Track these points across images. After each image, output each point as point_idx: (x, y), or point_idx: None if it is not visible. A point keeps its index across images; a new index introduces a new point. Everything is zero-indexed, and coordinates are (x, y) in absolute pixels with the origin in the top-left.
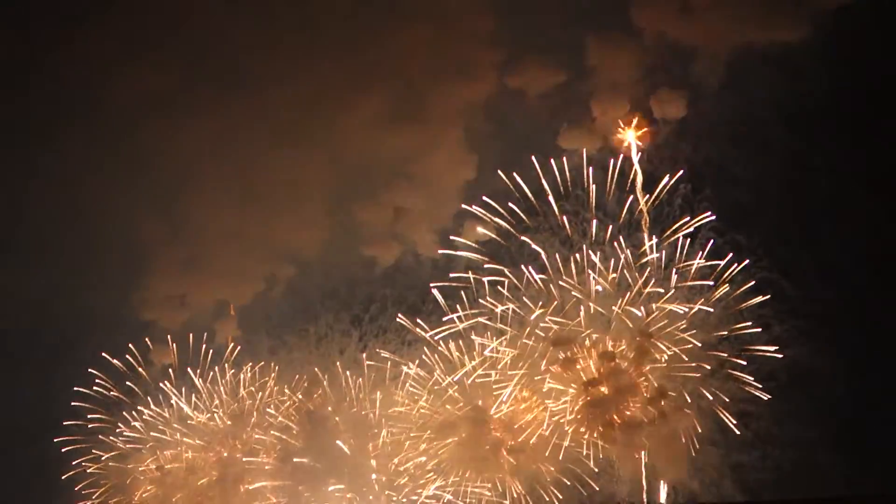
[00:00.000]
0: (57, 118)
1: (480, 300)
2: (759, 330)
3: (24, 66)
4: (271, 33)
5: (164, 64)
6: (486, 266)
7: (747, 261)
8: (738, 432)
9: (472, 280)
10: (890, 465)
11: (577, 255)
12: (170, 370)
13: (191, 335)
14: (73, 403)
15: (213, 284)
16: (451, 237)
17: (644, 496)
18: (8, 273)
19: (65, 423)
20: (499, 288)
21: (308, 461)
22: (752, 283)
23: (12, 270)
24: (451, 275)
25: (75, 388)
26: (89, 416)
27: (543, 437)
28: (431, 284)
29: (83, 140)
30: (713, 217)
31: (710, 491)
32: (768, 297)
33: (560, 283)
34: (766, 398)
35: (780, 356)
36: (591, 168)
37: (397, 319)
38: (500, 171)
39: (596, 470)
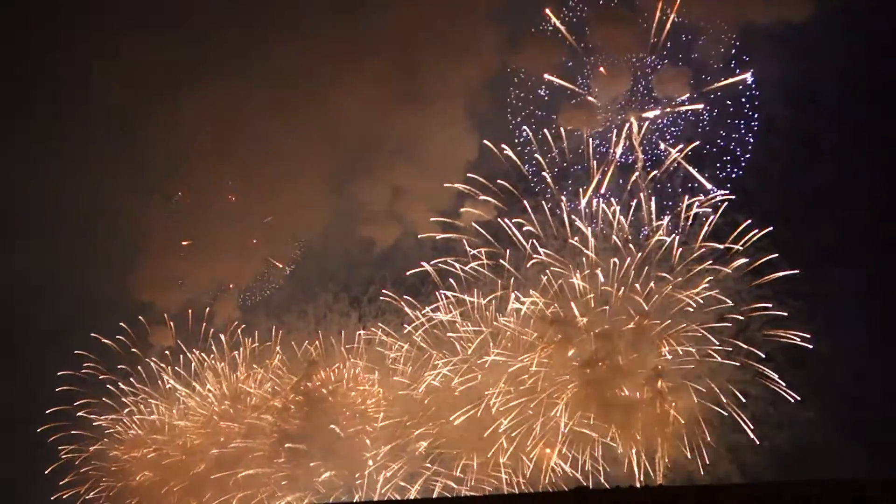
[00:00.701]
0: (57, 107)
1: (478, 280)
2: (786, 315)
3: (23, 58)
4: (271, 13)
5: (164, 45)
6: (483, 247)
7: (770, 227)
8: (735, 414)
9: (469, 259)
10: (890, 447)
11: (577, 237)
12: (167, 352)
13: (189, 311)
14: (59, 389)
15: (213, 266)
16: (449, 219)
17: (641, 477)
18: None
19: (53, 410)
20: (496, 269)
21: (303, 447)
22: (763, 259)
23: (6, 254)
24: (434, 261)
25: (61, 373)
26: (78, 403)
27: (540, 421)
28: (408, 273)
29: (81, 123)
30: (732, 197)
31: (707, 472)
32: (798, 271)
33: (558, 262)
34: (793, 400)
35: (811, 347)
36: (591, 147)
37: (396, 301)
38: (499, 152)
39: (592, 452)
